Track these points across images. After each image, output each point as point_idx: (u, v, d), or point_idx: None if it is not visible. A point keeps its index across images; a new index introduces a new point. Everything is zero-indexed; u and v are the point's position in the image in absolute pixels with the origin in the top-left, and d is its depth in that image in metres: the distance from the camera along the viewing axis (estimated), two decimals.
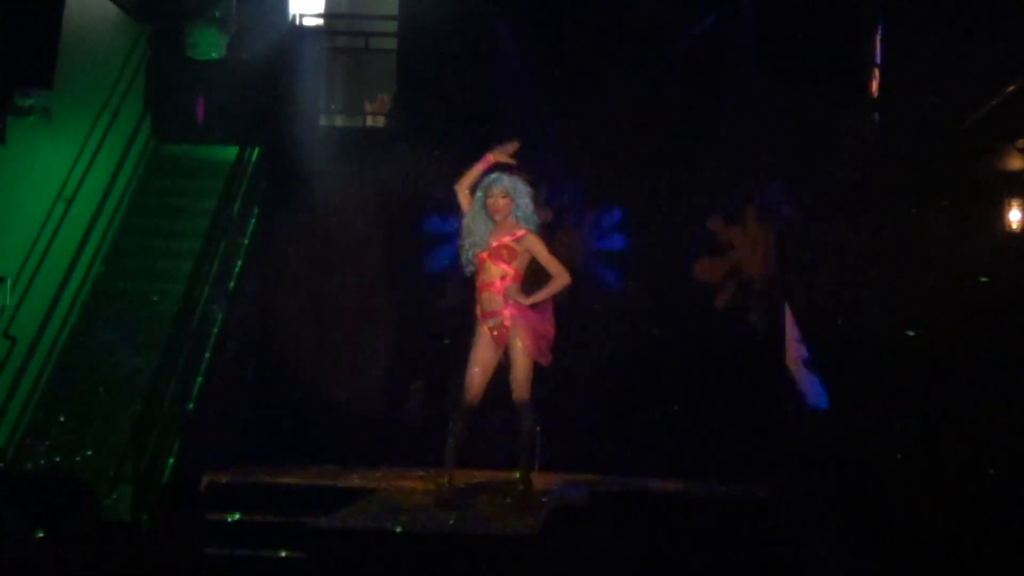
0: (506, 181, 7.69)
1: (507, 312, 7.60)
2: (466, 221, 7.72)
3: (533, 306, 7.65)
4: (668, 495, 8.33)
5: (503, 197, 7.63)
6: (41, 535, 4.77)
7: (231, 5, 10.68)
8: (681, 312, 9.81)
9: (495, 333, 7.63)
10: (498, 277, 7.62)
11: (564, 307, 8.14)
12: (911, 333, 8.30)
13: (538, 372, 7.68)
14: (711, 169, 9.97)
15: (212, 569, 6.81)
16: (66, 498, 4.77)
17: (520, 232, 7.68)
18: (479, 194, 7.68)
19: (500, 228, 7.65)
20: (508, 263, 7.63)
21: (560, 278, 7.66)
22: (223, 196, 9.60)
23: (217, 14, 10.65)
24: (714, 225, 9.79)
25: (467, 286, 7.98)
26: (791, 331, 9.69)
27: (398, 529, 6.80)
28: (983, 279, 8.23)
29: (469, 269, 7.76)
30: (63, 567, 4.53)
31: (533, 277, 7.79)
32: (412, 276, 10.02)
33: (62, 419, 8.75)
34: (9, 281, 8.66)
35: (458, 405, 7.74)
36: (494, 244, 7.63)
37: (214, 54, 10.72)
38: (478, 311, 7.73)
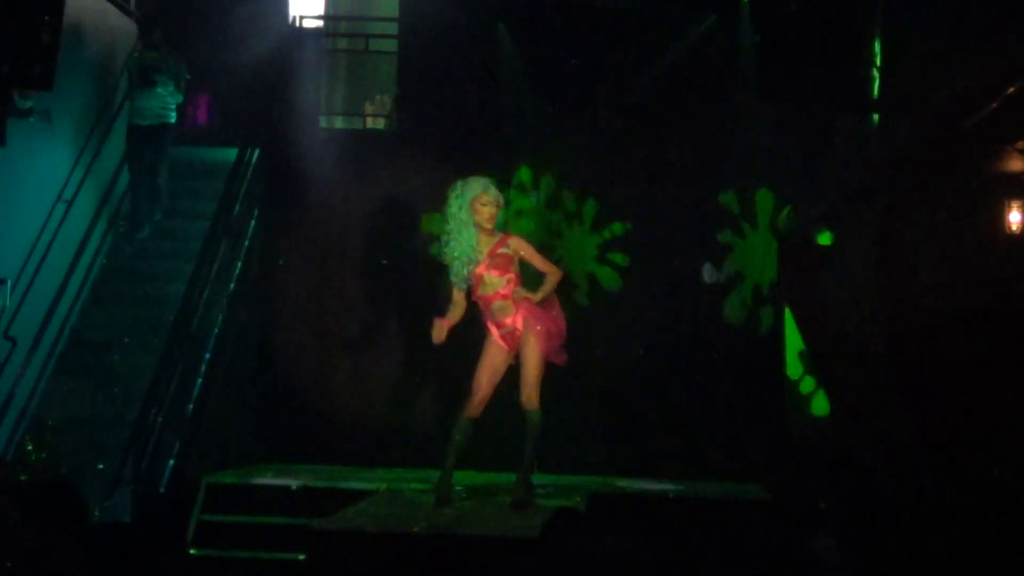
0: (494, 188, 7.66)
1: (520, 316, 7.59)
2: (451, 238, 7.59)
3: (541, 305, 7.65)
4: (668, 495, 8.34)
5: (496, 205, 7.61)
6: (36, 537, 4.78)
7: (182, 64, 10.21)
8: (682, 314, 9.81)
9: (507, 338, 7.63)
10: (502, 285, 7.61)
11: (566, 309, 8.13)
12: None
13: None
14: (712, 172, 9.98)
15: (212, 571, 6.84)
16: (53, 500, 4.78)
17: (505, 237, 7.68)
18: (462, 207, 7.56)
19: (483, 237, 7.62)
20: (506, 269, 7.61)
21: (553, 274, 7.65)
22: (223, 198, 9.61)
23: (161, 78, 10.05)
24: None
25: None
26: None
27: (397, 530, 6.80)
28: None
29: (463, 286, 7.71)
30: (62, 569, 4.53)
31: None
32: (412, 277, 10.01)
33: (61, 420, 8.76)
34: (9, 283, 8.67)
35: (461, 410, 7.75)
36: (487, 255, 7.59)
37: (166, 119, 10.15)
38: (489, 322, 7.69)
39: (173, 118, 10.23)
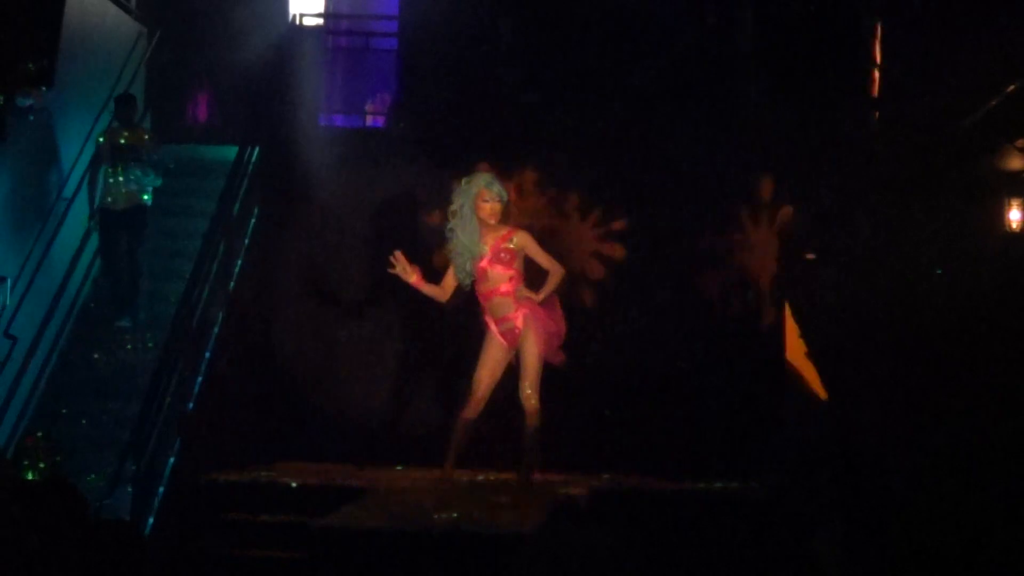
0: (497, 184, 7.71)
1: (520, 314, 7.62)
2: (456, 235, 7.66)
3: (542, 305, 7.66)
4: (668, 495, 8.34)
5: (499, 201, 7.67)
6: (38, 536, 4.79)
7: (160, 150, 9.91)
8: (682, 313, 9.80)
9: (507, 335, 7.64)
10: (504, 281, 7.63)
11: (566, 308, 8.14)
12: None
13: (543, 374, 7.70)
14: (711, 171, 9.96)
15: (212, 569, 6.84)
16: (54, 497, 4.79)
17: (510, 232, 7.70)
18: (465, 203, 7.65)
19: (487, 232, 7.65)
20: (509, 265, 7.64)
21: (556, 272, 7.67)
22: (223, 196, 9.60)
23: (142, 166, 9.68)
24: None
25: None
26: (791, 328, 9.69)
27: (397, 529, 6.80)
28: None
29: (467, 282, 7.74)
30: (64, 567, 4.54)
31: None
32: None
33: (62, 419, 8.76)
34: (9, 281, 8.68)
35: (461, 409, 7.74)
36: (490, 250, 7.62)
37: (141, 202, 9.77)
38: (488, 319, 7.72)
39: (149, 199, 9.82)
